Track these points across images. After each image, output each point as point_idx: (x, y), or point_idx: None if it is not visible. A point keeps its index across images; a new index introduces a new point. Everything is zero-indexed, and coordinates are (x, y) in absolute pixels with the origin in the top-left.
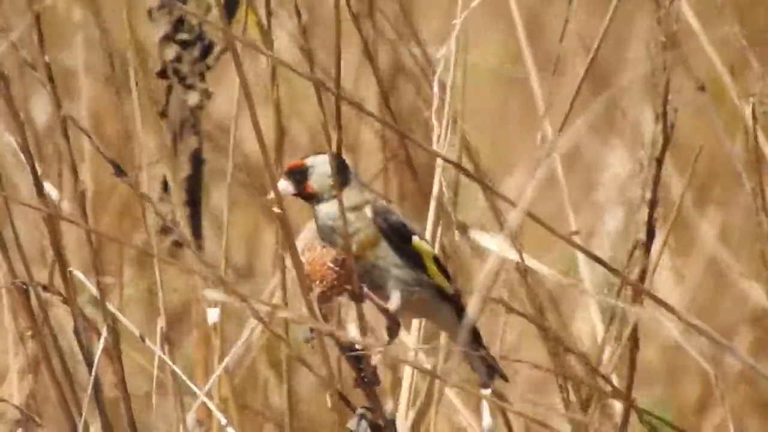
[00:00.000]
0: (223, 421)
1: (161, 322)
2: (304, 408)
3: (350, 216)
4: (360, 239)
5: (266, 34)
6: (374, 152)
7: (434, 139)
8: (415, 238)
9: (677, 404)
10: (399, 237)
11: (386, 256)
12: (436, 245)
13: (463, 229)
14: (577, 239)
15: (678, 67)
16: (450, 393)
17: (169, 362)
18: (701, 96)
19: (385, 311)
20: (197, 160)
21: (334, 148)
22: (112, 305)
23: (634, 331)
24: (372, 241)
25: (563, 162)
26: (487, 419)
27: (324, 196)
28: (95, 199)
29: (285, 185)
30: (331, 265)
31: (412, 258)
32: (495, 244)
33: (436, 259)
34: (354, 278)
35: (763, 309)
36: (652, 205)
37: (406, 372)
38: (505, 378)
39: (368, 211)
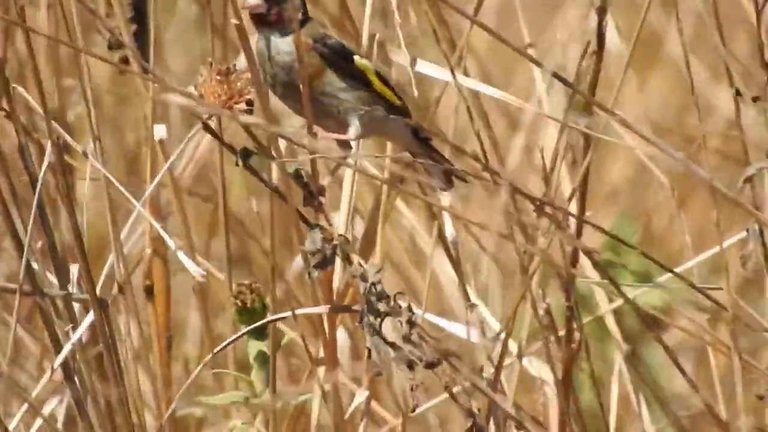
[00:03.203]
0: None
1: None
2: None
3: (290, 48)
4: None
5: None
6: None
7: None
8: (356, 57)
9: (644, 221)
10: (341, 59)
11: (332, 81)
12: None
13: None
14: (532, 52)
15: None
16: (401, 205)
17: (108, 174)
18: None
19: (344, 143)
20: None
21: None
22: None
23: (587, 141)
24: (317, 71)
25: None
26: (450, 230)
27: (284, 29)
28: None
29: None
30: (218, 77)
31: (357, 78)
32: (436, 71)
33: (377, 74)
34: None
35: (729, 118)
36: (601, 12)
37: (346, 181)
38: (464, 179)
39: (308, 41)
